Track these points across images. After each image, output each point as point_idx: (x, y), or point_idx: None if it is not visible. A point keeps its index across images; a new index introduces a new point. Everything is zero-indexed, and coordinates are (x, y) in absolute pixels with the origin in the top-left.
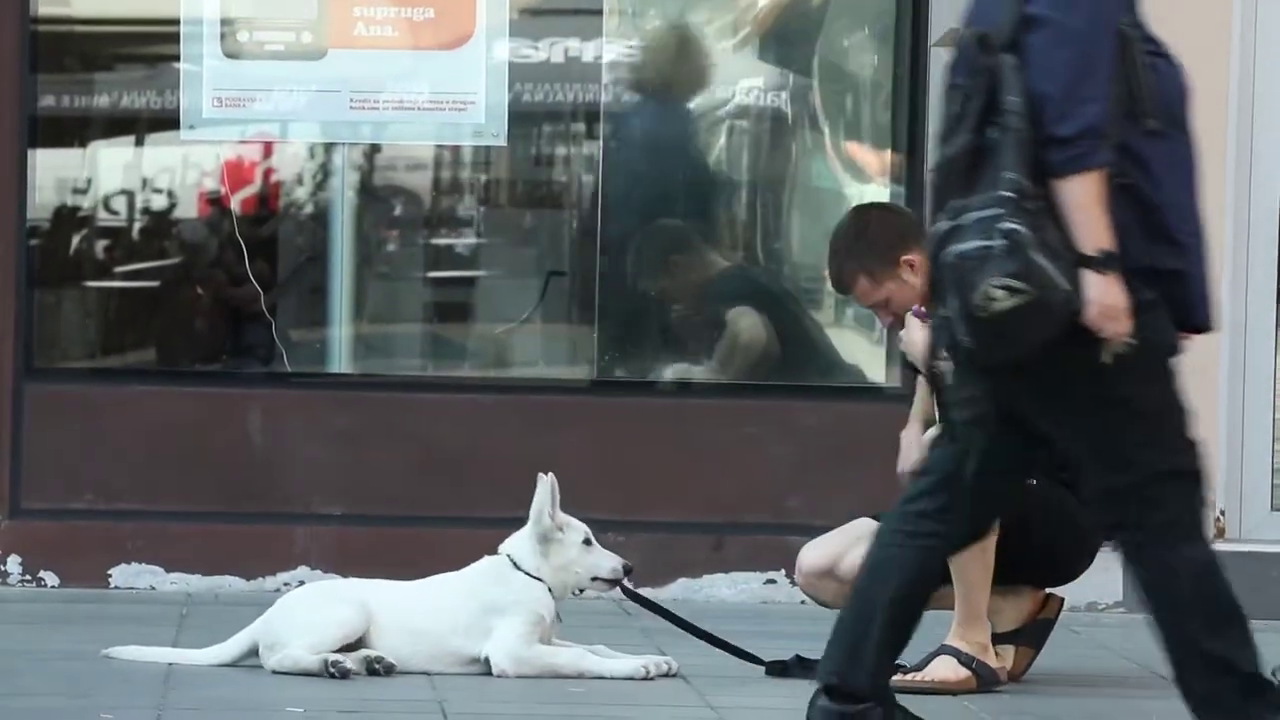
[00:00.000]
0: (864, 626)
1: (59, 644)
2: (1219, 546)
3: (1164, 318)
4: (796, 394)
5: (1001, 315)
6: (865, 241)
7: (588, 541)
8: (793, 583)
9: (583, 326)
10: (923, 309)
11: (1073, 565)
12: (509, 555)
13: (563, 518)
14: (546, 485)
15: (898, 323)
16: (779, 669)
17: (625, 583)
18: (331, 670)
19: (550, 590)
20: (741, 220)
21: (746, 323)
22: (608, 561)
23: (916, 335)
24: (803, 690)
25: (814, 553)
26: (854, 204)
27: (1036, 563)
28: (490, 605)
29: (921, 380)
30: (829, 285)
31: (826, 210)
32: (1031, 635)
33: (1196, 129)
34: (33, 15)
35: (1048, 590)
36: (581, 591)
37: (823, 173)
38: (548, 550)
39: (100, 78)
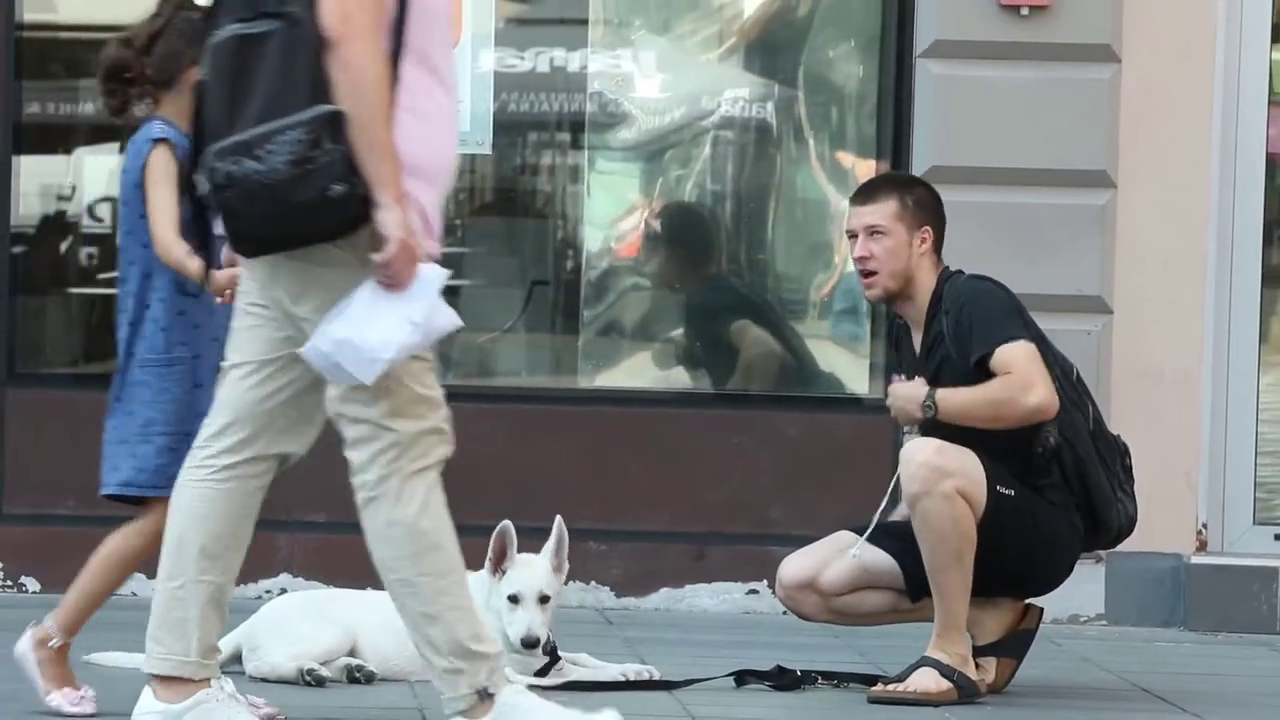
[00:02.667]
0: None
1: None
2: (1201, 560)
3: None
4: (778, 404)
5: None
6: (920, 187)
7: (514, 600)
8: (775, 593)
9: (566, 336)
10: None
11: (1051, 575)
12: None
13: (512, 563)
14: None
15: (867, 263)
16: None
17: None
18: (307, 679)
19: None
20: (726, 230)
21: (755, 334)
22: (516, 628)
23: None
24: (781, 700)
25: (794, 565)
26: (836, 215)
27: (1015, 573)
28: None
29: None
30: (812, 296)
31: (810, 221)
32: (1013, 646)
33: (1182, 153)
34: (17, 22)
35: (1027, 601)
36: None
37: (807, 183)
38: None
39: (85, 84)
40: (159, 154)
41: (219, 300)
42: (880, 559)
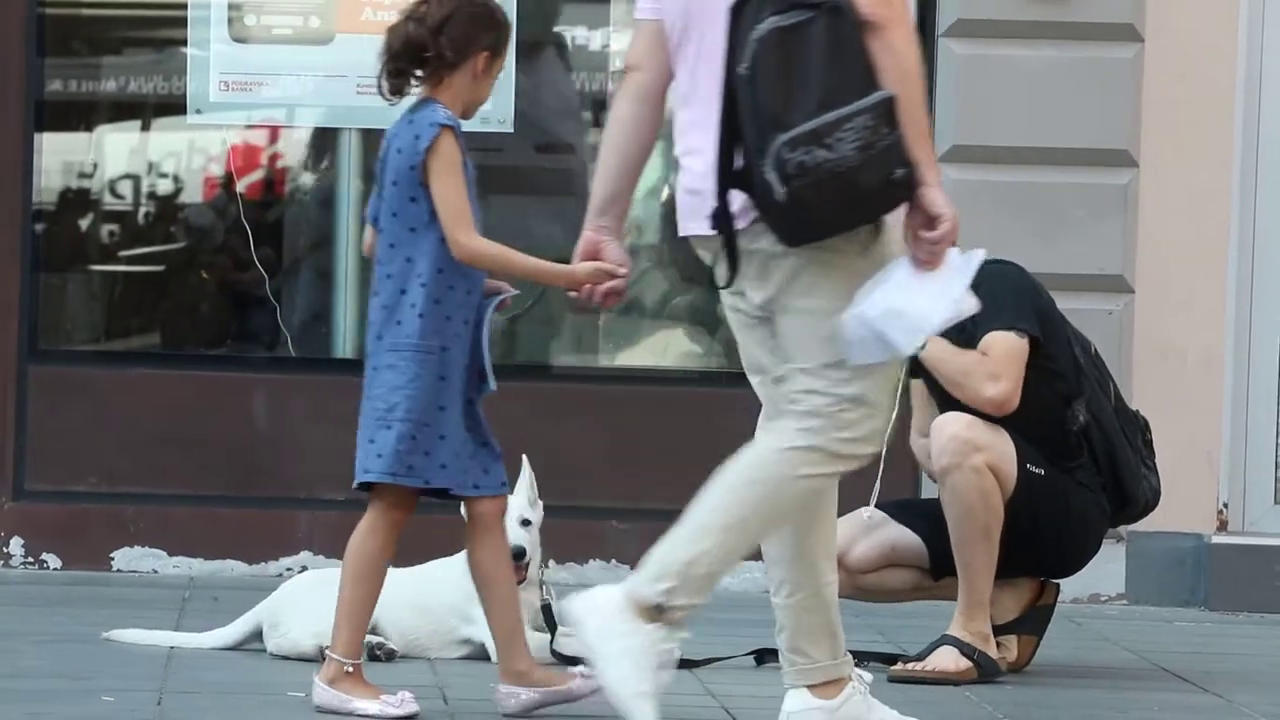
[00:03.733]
0: None
1: (60, 626)
2: (1222, 539)
3: None
4: None
5: None
6: None
7: (526, 522)
8: None
9: (588, 314)
10: None
11: (1079, 555)
12: None
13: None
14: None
15: None
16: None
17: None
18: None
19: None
20: None
21: None
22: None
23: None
24: None
25: None
26: None
27: (1044, 554)
28: (471, 594)
29: (920, 388)
30: None
31: None
32: (1032, 622)
33: (1204, 132)
34: None
35: (1043, 580)
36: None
37: None
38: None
39: (107, 62)
40: (447, 141)
41: (589, 297)
42: (906, 537)
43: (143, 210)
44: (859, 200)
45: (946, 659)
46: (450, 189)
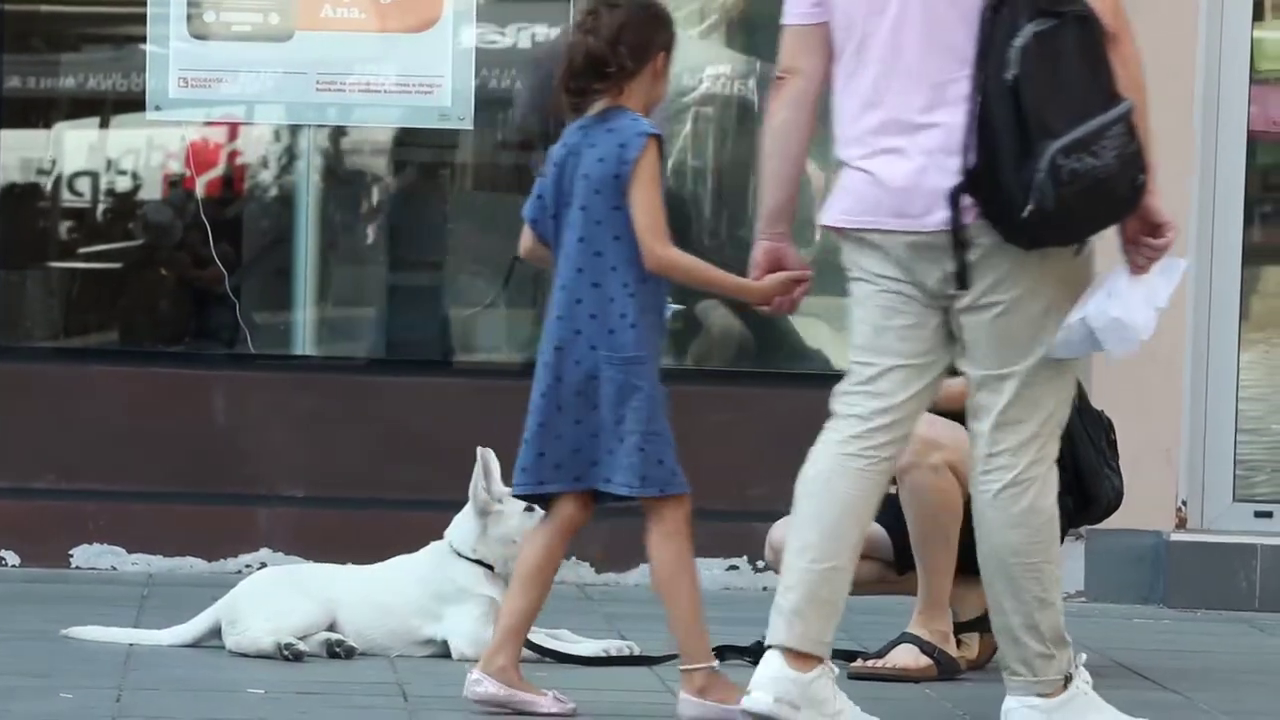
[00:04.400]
0: None
1: (19, 624)
2: (1181, 537)
3: None
4: (761, 381)
5: None
6: None
7: (530, 509)
8: (755, 569)
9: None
10: None
11: None
12: (450, 542)
13: (501, 490)
14: (480, 461)
15: None
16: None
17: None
18: (285, 653)
19: (493, 569)
20: (708, 208)
21: (718, 315)
22: None
23: None
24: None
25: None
26: (819, 193)
27: None
28: (437, 593)
29: None
30: None
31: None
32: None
33: (1163, 142)
34: None
35: None
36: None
37: None
38: (486, 526)
39: (66, 58)
40: (653, 152)
41: (779, 308)
42: (873, 529)
43: (101, 207)
44: (1111, 206)
45: (906, 656)
46: (651, 198)
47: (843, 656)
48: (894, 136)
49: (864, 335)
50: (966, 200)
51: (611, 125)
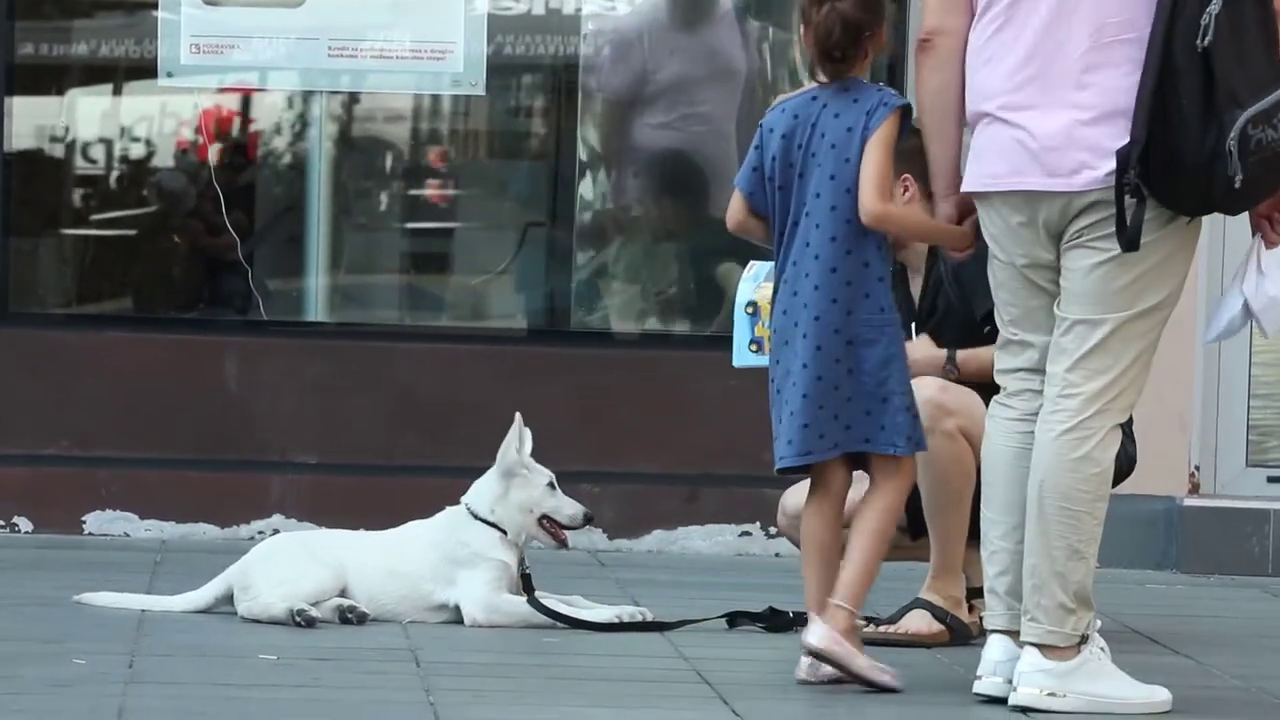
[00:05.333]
0: None
1: (32, 590)
2: (1194, 502)
3: None
4: None
5: None
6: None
7: (552, 485)
8: (768, 535)
9: (560, 277)
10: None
11: None
12: (467, 505)
13: (530, 461)
14: (517, 424)
15: None
16: (748, 619)
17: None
18: (298, 619)
19: (506, 535)
20: (721, 174)
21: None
22: (569, 508)
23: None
24: (773, 641)
25: (799, 495)
26: None
27: None
28: (450, 556)
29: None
30: None
31: None
32: None
33: None
34: None
35: None
36: (532, 539)
37: None
38: (509, 489)
39: (78, 25)
40: (896, 120)
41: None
42: None
43: (114, 174)
44: (1275, 180)
45: (919, 622)
46: (882, 158)
47: (802, 617)
48: (1049, 92)
49: (1013, 313)
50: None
51: (856, 95)
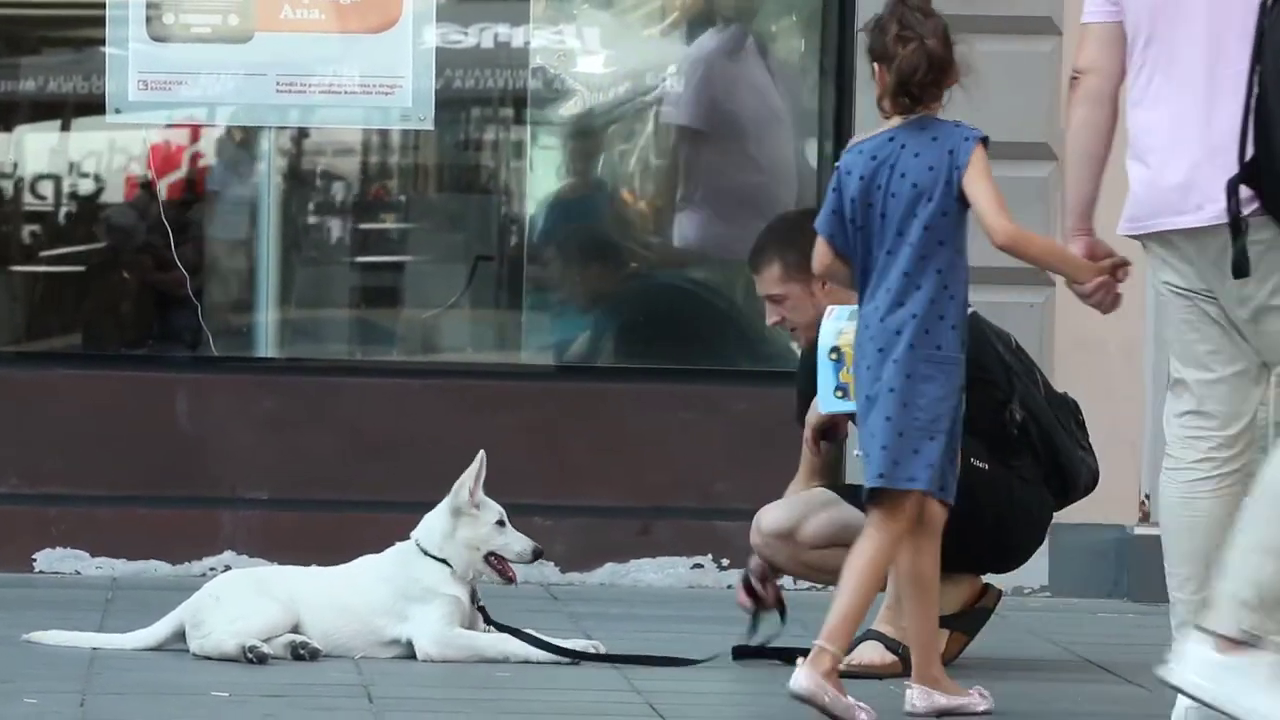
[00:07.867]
0: None
1: None
2: (1145, 530)
3: None
4: (724, 379)
5: None
6: (802, 240)
7: (501, 523)
8: (720, 567)
9: (510, 311)
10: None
11: (1022, 549)
12: (416, 541)
13: (482, 498)
14: (478, 462)
15: (783, 324)
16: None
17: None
18: (250, 656)
19: (454, 571)
20: (669, 206)
21: (699, 309)
22: (517, 544)
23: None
24: (728, 675)
25: (774, 514)
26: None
27: (985, 548)
28: (402, 591)
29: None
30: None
31: (752, 197)
32: (967, 622)
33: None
34: None
35: (987, 582)
36: (480, 575)
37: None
38: (457, 526)
39: (26, 61)
40: (982, 152)
41: (1106, 293)
42: (858, 518)
43: (63, 210)
44: None
45: (871, 653)
46: (990, 185)
47: (807, 654)
48: (1174, 131)
49: (1179, 351)
50: (1245, 192)
51: (934, 133)
